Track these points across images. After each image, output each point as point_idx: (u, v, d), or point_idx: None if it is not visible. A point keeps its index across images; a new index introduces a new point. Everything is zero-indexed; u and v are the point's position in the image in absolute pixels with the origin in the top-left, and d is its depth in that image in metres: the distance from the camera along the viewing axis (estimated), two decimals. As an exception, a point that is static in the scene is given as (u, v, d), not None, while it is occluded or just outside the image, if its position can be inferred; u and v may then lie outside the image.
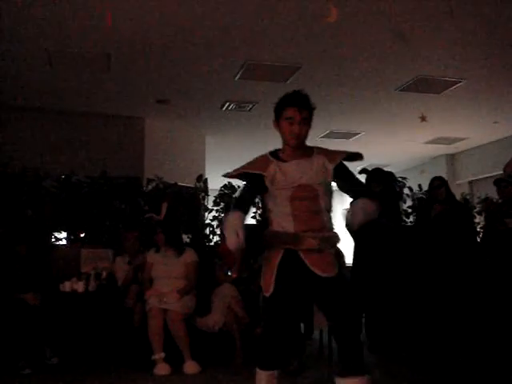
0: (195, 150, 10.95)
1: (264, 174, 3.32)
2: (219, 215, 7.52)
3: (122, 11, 5.93)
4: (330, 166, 3.38)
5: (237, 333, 5.88)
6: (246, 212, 3.30)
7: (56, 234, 7.23)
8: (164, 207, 6.38)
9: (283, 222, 3.31)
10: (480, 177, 12.37)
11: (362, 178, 6.41)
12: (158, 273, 5.97)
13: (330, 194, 3.48)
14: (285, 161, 3.40)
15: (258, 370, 3.41)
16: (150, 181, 7.92)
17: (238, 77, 7.87)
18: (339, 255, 3.39)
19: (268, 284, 3.27)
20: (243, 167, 3.45)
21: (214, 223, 7.52)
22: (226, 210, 7.51)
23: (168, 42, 6.76)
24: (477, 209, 8.09)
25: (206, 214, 7.68)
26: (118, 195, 7.32)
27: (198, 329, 5.84)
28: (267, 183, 3.32)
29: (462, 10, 5.95)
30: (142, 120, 10.07)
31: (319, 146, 3.57)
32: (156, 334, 5.55)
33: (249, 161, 3.50)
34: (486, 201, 7.44)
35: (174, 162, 9.85)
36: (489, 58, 7.29)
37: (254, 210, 7.57)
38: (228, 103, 9.17)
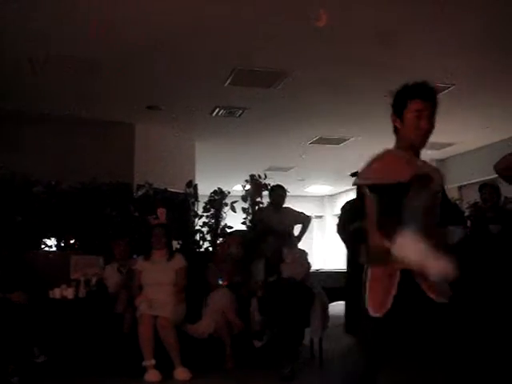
0: (185, 156, 10.93)
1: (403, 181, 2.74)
2: (209, 221, 7.51)
3: (113, 17, 5.91)
4: (440, 180, 3.04)
5: (227, 339, 5.87)
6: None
7: (46, 241, 7.20)
8: (163, 212, 6.35)
9: None
10: (470, 182, 12.39)
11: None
12: (148, 280, 5.96)
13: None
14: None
15: None
16: (139, 187, 7.89)
17: (227, 83, 7.86)
18: None
19: (380, 303, 2.81)
20: (380, 174, 2.87)
21: (204, 229, 7.50)
22: (215, 216, 7.51)
23: (158, 48, 6.74)
24: (466, 214, 8.11)
25: (196, 219, 7.67)
26: (108, 201, 7.30)
27: (188, 335, 5.83)
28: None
29: (452, 15, 5.97)
30: (132, 126, 10.04)
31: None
32: (146, 340, 5.53)
33: (381, 163, 2.94)
34: (475, 206, 7.46)
35: (163, 168, 9.82)
36: (480, 62, 7.30)
37: (244, 215, 7.58)
38: (218, 109, 9.16)
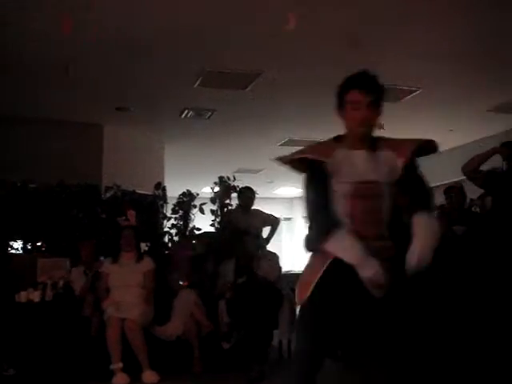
0: (154, 158, 10.88)
1: (327, 161, 2.85)
2: (177, 223, 7.49)
3: (84, 17, 5.86)
4: (400, 163, 2.90)
5: (195, 340, 5.86)
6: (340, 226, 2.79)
7: (12, 243, 7.11)
8: (133, 214, 6.32)
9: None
10: (435, 184, 12.49)
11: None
12: (115, 282, 5.92)
13: (392, 197, 2.94)
14: (353, 149, 2.92)
15: None
16: (108, 188, 7.85)
17: (196, 84, 7.85)
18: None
19: (303, 291, 2.85)
20: (302, 151, 2.99)
21: (173, 231, 7.48)
22: (184, 218, 7.49)
23: (127, 50, 6.70)
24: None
25: (165, 221, 7.64)
26: (76, 203, 7.24)
27: (156, 338, 5.80)
28: (329, 173, 2.85)
29: (418, 19, 6.04)
30: (100, 127, 9.96)
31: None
32: (114, 343, 5.49)
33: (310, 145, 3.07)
34: (441, 208, 7.55)
35: (132, 170, 9.76)
36: (446, 67, 7.40)
37: (212, 217, 7.57)
38: (187, 111, 9.13)
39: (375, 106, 2.91)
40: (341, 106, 2.99)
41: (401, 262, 2.69)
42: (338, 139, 3.03)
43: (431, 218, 2.87)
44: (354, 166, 2.86)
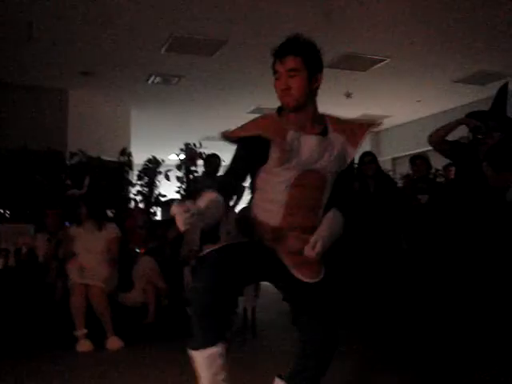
0: (120, 124, 10.76)
1: (280, 142, 2.62)
2: (143, 190, 7.45)
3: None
4: (352, 151, 2.76)
5: (152, 301, 5.87)
6: (227, 195, 2.69)
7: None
8: (86, 181, 6.26)
9: (271, 208, 2.69)
10: (402, 154, 12.63)
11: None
12: (80, 247, 5.86)
13: (332, 187, 2.78)
14: (304, 132, 2.70)
15: (195, 351, 2.53)
16: (73, 155, 7.75)
17: (163, 49, 7.75)
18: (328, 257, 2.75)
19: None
20: (246, 128, 2.74)
21: (138, 198, 7.43)
22: (149, 185, 7.45)
23: (92, 12, 6.58)
24: (398, 185, 8.28)
25: (130, 188, 7.59)
26: (40, 169, 7.14)
27: (120, 304, 5.79)
28: (273, 155, 2.63)
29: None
30: (65, 92, 9.82)
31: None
32: (78, 309, 5.46)
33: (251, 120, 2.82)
34: (407, 177, 7.62)
35: (98, 136, 9.64)
36: (413, 37, 7.41)
37: (178, 184, 7.54)
38: (154, 76, 9.03)
39: (300, 74, 2.67)
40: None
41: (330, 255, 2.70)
42: (281, 115, 2.80)
43: (339, 215, 2.72)
44: (302, 152, 2.65)
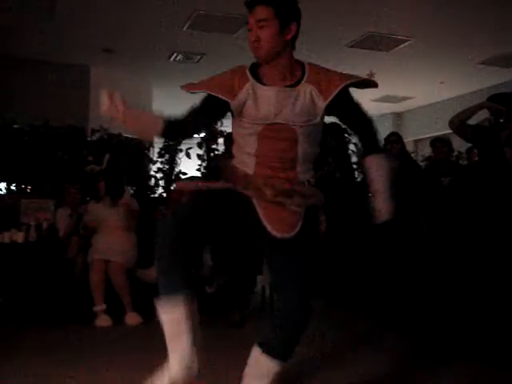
0: (142, 101, 10.72)
1: (231, 101, 2.59)
2: (163, 167, 7.45)
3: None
4: (321, 103, 2.60)
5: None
6: (169, 123, 2.70)
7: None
8: (106, 157, 6.27)
9: (245, 159, 2.68)
10: (425, 136, 12.53)
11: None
12: (99, 223, 5.90)
13: (314, 139, 2.71)
14: (264, 84, 2.62)
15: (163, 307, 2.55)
16: (94, 131, 7.76)
17: (186, 27, 7.73)
18: (311, 218, 2.71)
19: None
20: (206, 84, 2.70)
21: (159, 175, 7.45)
22: (170, 163, 7.45)
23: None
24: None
25: (150, 165, 7.60)
26: (61, 145, 7.16)
27: (139, 280, 5.82)
28: (234, 112, 2.63)
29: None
30: (87, 68, 9.85)
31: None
32: (97, 285, 5.51)
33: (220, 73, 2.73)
34: (429, 159, 7.56)
35: (119, 113, 9.64)
36: (438, 17, 7.31)
37: (199, 162, 7.53)
38: (176, 54, 9.02)
39: (270, 24, 2.54)
40: None
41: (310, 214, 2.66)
42: (256, 67, 2.68)
43: (384, 160, 2.72)
44: (260, 106, 2.58)
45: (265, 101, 2.58)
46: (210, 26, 7.73)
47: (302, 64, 2.69)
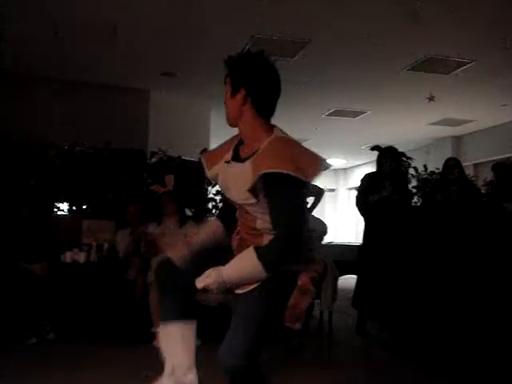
0: (200, 124, 10.88)
1: (207, 171, 2.76)
2: (222, 190, 7.49)
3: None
4: (253, 179, 2.43)
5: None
6: (226, 221, 2.86)
7: (58, 205, 7.21)
8: (171, 179, 6.31)
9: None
10: (485, 160, 12.31)
11: (374, 155, 6.41)
12: (160, 245, 5.95)
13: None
14: (236, 158, 2.65)
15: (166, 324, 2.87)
16: (153, 154, 7.87)
17: (245, 50, 7.78)
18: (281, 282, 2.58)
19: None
20: (208, 152, 2.89)
21: (217, 198, 7.49)
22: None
23: (175, 14, 6.67)
24: (482, 191, 8.08)
25: (210, 188, 7.65)
26: (122, 167, 7.29)
27: (198, 303, 5.83)
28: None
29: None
30: (147, 92, 10.01)
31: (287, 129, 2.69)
32: (157, 306, 5.54)
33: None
34: (491, 184, 7.43)
35: (178, 136, 9.78)
36: (501, 39, 7.19)
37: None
38: (234, 78, 9.08)
39: (228, 92, 2.62)
40: None
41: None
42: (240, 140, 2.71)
43: (251, 256, 2.48)
44: (220, 181, 2.70)
45: (222, 174, 2.66)
46: (269, 50, 7.73)
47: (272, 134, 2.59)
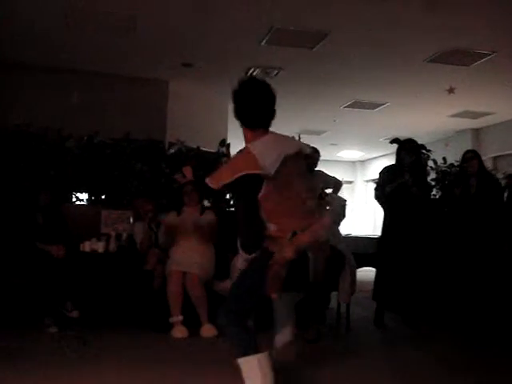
0: (218, 115, 10.88)
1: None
2: (240, 180, 7.49)
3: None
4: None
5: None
6: None
7: (77, 195, 7.25)
8: (189, 170, 6.31)
9: None
10: (505, 153, 12.22)
11: (394, 147, 6.38)
12: (178, 235, 5.97)
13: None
14: None
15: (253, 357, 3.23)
16: (171, 144, 7.88)
17: (263, 42, 7.77)
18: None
19: None
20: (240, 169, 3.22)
21: (235, 188, 7.48)
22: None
23: (194, 4, 6.67)
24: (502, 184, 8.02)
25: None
26: (141, 158, 7.30)
27: (216, 293, 5.86)
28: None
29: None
30: (165, 83, 10.02)
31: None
32: (175, 296, 5.58)
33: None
34: (510, 177, 7.37)
35: (196, 126, 9.80)
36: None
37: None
38: (253, 69, 9.07)
39: None
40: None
41: None
42: None
43: None
44: None
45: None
46: (288, 41, 7.75)
47: None
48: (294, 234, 3.14)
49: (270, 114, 3.59)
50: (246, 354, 3.21)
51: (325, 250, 3.47)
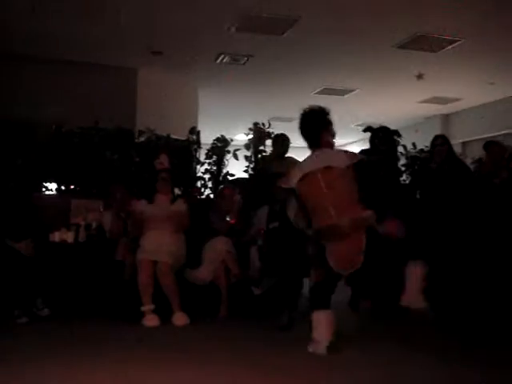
0: (188, 103, 10.83)
1: None
2: (211, 168, 7.48)
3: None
4: None
5: (224, 288, 5.89)
6: None
7: (46, 185, 7.17)
8: (165, 158, 6.27)
9: None
10: (473, 138, 12.32)
11: (364, 133, 6.41)
12: (149, 223, 5.93)
13: None
14: None
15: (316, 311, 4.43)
16: (141, 132, 7.82)
17: (233, 29, 7.74)
18: None
19: None
20: None
21: (206, 176, 7.47)
22: (217, 164, 7.47)
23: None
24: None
25: (198, 166, 7.63)
26: (110, 146, 7.24)
27: (187, 281, 5.85)
28: None
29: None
30: (134, 71, 9.95)
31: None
32: (145, 285, 5.55)
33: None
34: (479, 162, 7.44)
35: (166, 114, 9.73)
36: (489, 17, 7.18)
37: (246, 163, 7.56)
38: (222, 56, 9.04)
39: None
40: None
41: None
42: None
43: None
44: None
45: None
46: (258, 28, 7.73)
47: None
48: None
49: (316, 137, 4.82)
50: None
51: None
